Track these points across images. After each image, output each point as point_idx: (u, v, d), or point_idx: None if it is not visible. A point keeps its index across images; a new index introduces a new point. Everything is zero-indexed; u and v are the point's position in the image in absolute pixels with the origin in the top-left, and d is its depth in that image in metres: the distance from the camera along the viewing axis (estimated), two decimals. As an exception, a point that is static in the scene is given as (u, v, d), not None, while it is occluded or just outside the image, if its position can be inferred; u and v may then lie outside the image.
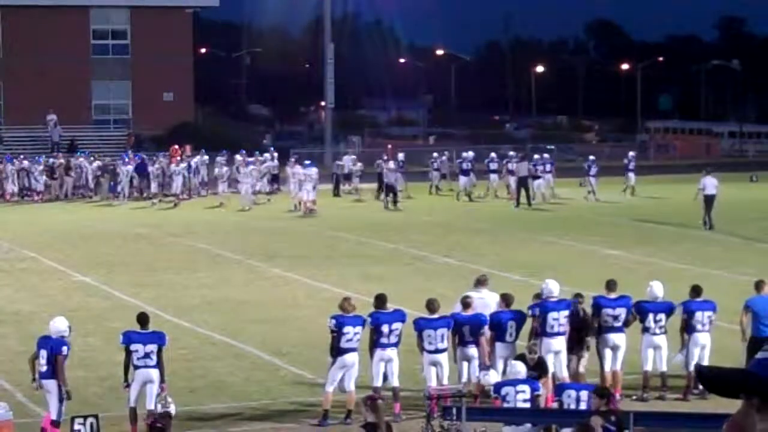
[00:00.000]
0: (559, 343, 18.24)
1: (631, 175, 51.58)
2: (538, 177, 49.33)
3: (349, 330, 17.37)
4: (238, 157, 52.42)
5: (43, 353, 16.38)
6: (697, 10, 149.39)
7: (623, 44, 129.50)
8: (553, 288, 18.57)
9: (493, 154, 53.42)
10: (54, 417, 16.27)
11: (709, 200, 40.00)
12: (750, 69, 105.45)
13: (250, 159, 51.64)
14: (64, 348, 16.31)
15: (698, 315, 18.92)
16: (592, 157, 52.59)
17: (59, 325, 16.63)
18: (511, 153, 53.49)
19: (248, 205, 46.70)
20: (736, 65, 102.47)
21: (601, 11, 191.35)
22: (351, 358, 17.40)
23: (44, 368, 16.35)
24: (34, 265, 32.89)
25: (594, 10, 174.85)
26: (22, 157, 53.62)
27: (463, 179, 50.82)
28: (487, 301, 18.86)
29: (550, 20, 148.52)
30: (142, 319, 17.07)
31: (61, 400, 16.25)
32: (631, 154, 53.61)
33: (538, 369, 16.75)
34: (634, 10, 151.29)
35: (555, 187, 50.38)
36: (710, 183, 40.44)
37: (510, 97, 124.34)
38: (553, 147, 60.98)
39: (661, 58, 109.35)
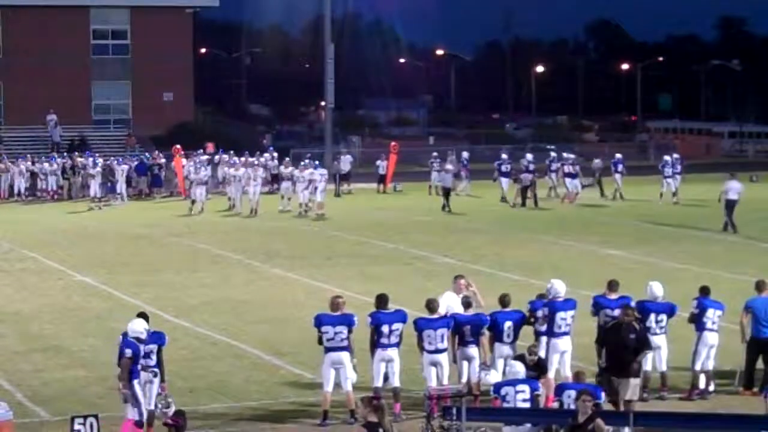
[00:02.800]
0: (566, 343, 18.28)
1: (676, 177, 49.53)
2: (575, 175, 49.21)
3: (328, 329, 17.38)
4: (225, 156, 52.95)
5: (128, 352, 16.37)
6: (697, 10, 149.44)
7: (623, 44, 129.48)
8: (560, 288, 18.56)
9: (529, 155, 52.50)
10: (137, 417, 16.29)
11: (730, 205, 39.03)
12: (750, 69, 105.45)
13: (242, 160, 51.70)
14: (128, 351, 16.16)
15: (710, 312, 18.93)
16: (676, 156, 50.97)
17: (135, 327, 16.49)
18: (565, 154, 51.88)
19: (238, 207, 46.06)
20: (736, 65, 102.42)
21: (601, 11, 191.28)
22: (336, 356, 17.40)
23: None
24: (34, 265, 32.89)
25: (594, 10, 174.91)
26: (27, 158, 53.67)
27: (504, 181, 49.88)
28: (444, 300, 18.84)
29: (550, 20, 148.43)
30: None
31: (137, 399, 16.21)
32: (676, 156, 51.26)
33: (537, 369, 16.76)
34: (634, 10, 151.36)
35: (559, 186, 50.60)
36: (734, 187, 39.24)
37: (510, 97, 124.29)
38: (553, 147, 60.81)
39: (661, 58, 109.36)
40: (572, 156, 51.76)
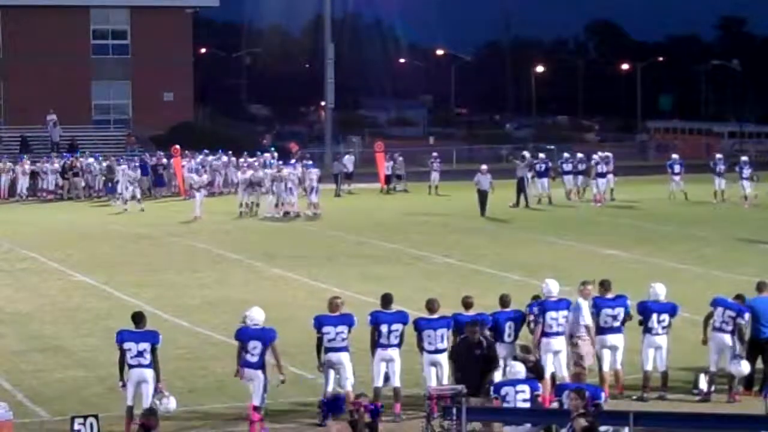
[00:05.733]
0: (559, 343, 18.21)
1: (747, 183, 47.54)
2: (604, 174, 48.13)
3: (329, 330, 17.44)
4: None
5: (257, 344, 16.81)
6: (697, 10, 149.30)
7: (623, 44, 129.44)
8: (553, 287, 18.51)
9: (566, 155, 51.39)
10: (257, 403, 16.77)
11: None
12: (750, 69, 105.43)
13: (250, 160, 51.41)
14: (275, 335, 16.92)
15: (718, 311, 18.87)
16: (744, 159, 49.15)
17: (259, 316, 17.06)
18: (603, 154, 50.34)
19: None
20: (736, 65, 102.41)
21: (601, 11, 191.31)
22: (336, 357, 17.44)
23: (255, 359, 16.82)
24: (34, 265, 32.89)
25: (594, 10, 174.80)
26: (25, 158, 53.77)
27: (543, 181, 49.04)
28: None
29: (550, 20, 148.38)
30: (136, 317, 17.03)
31: (265, 389, 16.81)
32: (744, 159, 49.50)
33: (533, 372, 16.68)
34: (634, 10, 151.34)
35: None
36: None
37: (510, 97, 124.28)
38: (553, 147, 60.82)
39: (661, 58, 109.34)
40: (608, 154, 50.41)
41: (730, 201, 47.83)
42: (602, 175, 48.52)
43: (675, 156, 51.60)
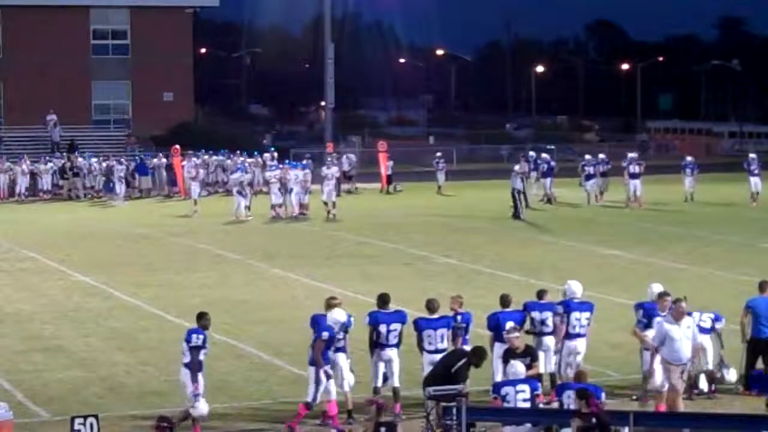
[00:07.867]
0: (581, 345, 18.10)
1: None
2: (637, 176, 47.05)
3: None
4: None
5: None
6: (697, 10, 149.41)
7: (623, 44, 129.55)
8: (576, 289, 18.38)
9: (601, 155, 50.08)
10: (309, 399, 16.91)
11: None
12: (750, 69, 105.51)
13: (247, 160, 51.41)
14: (325, 333, 16.86)
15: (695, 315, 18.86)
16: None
17: (337, 316, 17.19)
18: (632, 155, 49.00)
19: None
20: (736, 65, 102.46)
21: (601, 11, 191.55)
22: (332, 356, 17.41)
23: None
24: (34, 265, 32.88)
25: (594, 10, 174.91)
26: (25, 157, 53.82)
27: (590, 182, 48.44)
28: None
29: (550, 20, 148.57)
30: (198, 316, 17.81)
31: (317, 383, 16.87)
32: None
33: (527, 355, 16.64)
34: (634, 10, 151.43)
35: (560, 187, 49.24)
36: None
37: (510, 97, 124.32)
38: (553, 147, 60.76)
39: (661, 58, 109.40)
40: (635, 155, 49.55)
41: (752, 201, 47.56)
42: (635, 176, 47.26)
43: (689, 158, 51.08)
